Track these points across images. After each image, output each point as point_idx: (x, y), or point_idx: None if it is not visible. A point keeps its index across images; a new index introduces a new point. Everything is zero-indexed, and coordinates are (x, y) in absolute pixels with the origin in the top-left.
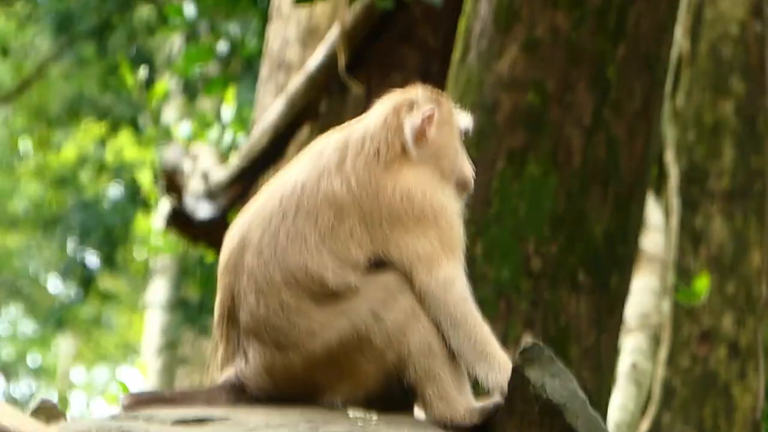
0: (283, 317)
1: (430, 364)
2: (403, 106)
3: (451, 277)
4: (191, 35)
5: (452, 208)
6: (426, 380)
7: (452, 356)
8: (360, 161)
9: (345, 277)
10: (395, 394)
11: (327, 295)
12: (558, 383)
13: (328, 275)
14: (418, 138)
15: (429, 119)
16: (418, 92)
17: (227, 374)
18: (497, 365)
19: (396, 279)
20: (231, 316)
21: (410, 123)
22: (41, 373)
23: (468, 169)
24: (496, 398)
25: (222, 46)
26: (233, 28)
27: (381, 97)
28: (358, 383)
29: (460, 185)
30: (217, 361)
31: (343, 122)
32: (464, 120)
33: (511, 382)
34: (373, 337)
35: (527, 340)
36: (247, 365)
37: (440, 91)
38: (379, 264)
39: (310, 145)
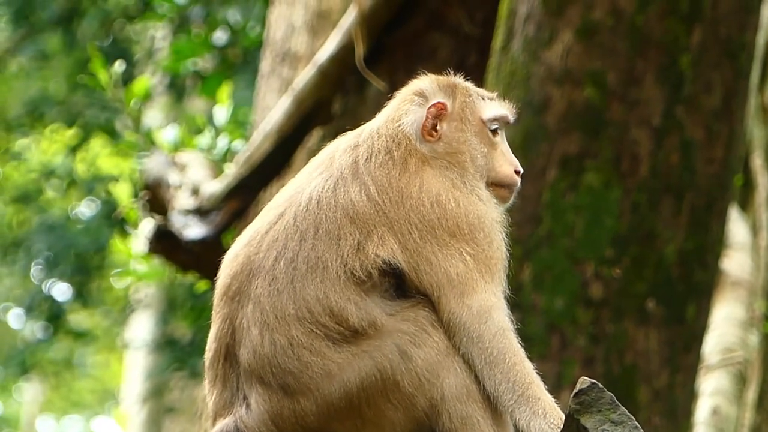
0: (293, 356)
1: (468, 411)
2: (411, 98)
3: (487, 306)
4: (181, 24)
5: (491, 217)
6: (463, 430)
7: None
8: (374, 162)
9: (369, 312)
10: None
11: (346, 333)
12: None
13: (351, 310)
14: (427, 134)
15: (438, 113)
16: (428, 82)
17: (223, 424)
18: (541, 411)
19: (427, 310)
20: (229, 354)
21: (412, 118)
22: (2, 424)
23: (506, 166)
24: None
25: (219, 37)
26: (232, 15)
27: (402, 88)
28: None
29: (498, 186)
30: (210, 408)
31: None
32: (494, 109)
33: None
34: (400, 379)
35: (584, 380)
36: (248, 413)
37: (457, 78)
38: (404, 293)
39: (322, 150)
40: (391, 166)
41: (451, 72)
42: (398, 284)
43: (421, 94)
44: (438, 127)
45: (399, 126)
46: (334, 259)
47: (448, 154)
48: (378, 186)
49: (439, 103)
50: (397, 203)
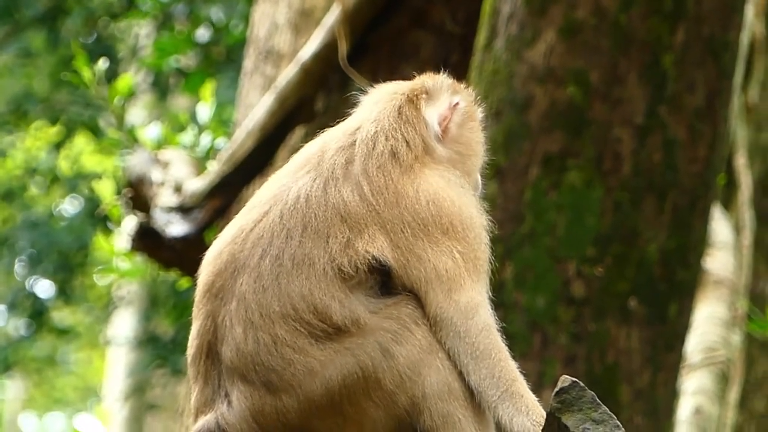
0: (276, 354)
1: (449, 409)
2: (420, 95)
3: (474, 303)
4: (164, 21)
5: (481, 221)
6: (444, 428)
7: (475, 400)
8: (372, 163)
9: (353, 310)
10: None
11: (329, 331)
12: (602, 431)
13: (335, 307)
14: (443, 133)
15: (455, 109)
16: (438, 80)
17: (204, 421)
18: (524, 407)
19: (410, 307)
20: (211, 351)
21: (435, 113)
22: None
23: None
24: None
25: (202, 34)
26: (216, 12)
27: (373, 90)
28: None
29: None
30: (191, 405)
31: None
32: (480, 112)
33: (546, 430)
34: (381, 377)
35: (565, 379)
36: (230, 410)
37: (455, 79)
38: (388, 291)
39: (303, 148)
40: (391, 168)
41: (434, 71)
42: (384, 281)
43: (430, 93)
44: (450, 125)
45: (416, 127)
46: (321, 256)
47: (463, 155)
48: (374, 187)
49: (458, 102)
50: (392, 204)
